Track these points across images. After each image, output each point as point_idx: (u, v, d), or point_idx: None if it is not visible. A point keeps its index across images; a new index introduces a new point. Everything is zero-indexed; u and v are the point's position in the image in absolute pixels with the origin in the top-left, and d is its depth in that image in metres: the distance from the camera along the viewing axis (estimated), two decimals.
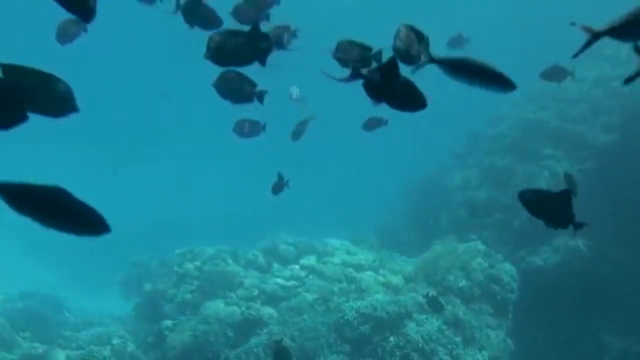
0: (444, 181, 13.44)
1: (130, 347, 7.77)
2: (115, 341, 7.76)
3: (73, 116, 2.84)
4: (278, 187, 6.20)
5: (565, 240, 9.81)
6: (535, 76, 13.76)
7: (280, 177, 6.20)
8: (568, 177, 5.89)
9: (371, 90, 2.99)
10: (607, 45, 13.08)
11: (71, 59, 9.59)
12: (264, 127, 5.20)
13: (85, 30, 5.14)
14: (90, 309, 10.10)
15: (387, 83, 2.97)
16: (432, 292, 7.16)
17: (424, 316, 7.24)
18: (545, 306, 9.23)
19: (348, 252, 9.05)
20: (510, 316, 8.09)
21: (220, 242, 9.50)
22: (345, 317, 7.35)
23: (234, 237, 9.96)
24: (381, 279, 8.11)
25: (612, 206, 9.70)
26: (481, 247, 8.27)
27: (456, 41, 7.75)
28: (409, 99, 3.07)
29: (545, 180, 11.02)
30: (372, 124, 5.93)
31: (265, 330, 7.53)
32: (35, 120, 2.73)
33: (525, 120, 12.52)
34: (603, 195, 9.83)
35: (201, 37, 3.54)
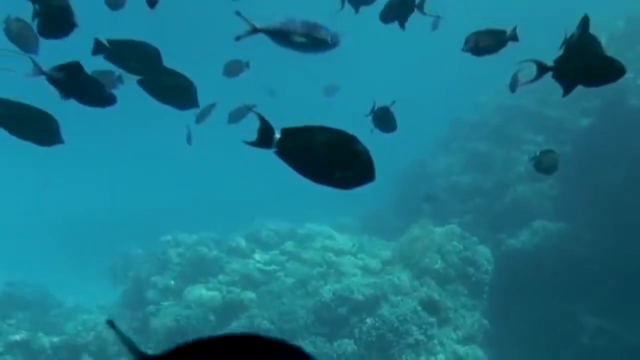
0: (429, 167, 13.62)
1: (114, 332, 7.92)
2: (99, 327, 7.92)
3: None
4: (189, 139, 6.58)
5: (543, 223, 10.00)
6: (515, 63, 13.91)
7: (188, 130, 6.57)
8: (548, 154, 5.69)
9: (563, 77, 3.01)
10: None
11: None
12: (120, 79, 4.99)
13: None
14: (78, 297, 10.27)
15: (576, 63, 3.00)
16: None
17: (399, 298, 7.42)
18: (523, 287, 9.42)
19: (329, 237, 9.22)
20: (485, 297, 8.28)
21: (204, 229, 9.67)
22: (323, 300, 7.54)
23: (219, 225, 10.13)
24: (359, 262, 8.30)
25: (589, 189, 9.88)
26: (457, 230, 8.45)
27: None
28: (603, 71, 3.03)
29: (525, 165, 11.20)
30: (236, 115, 5.93)
31: (245, 314, 7.71)
32: None
33: (506, 106, 12.69)
34: (581, 178, 10.01)
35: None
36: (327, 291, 7.61)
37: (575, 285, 9.43)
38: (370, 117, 4.66)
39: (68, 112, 3.39)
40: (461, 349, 7.25)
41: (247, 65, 5.73)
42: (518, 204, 10.61)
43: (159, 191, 17.30)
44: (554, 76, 3.05)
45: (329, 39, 3.37)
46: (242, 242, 9.25)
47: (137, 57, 3.43)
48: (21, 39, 3.98)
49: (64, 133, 3.16)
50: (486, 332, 8.02)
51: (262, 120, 2.33)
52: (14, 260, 11.82)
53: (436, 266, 7.96)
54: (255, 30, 3.27)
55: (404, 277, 7.70)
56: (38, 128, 3.11)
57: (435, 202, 10.66)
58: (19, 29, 3.98)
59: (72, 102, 3.31)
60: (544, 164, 5.60)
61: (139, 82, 3.43)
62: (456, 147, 13.24)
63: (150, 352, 1.57)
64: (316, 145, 2.35)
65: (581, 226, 9.73)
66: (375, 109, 4.65)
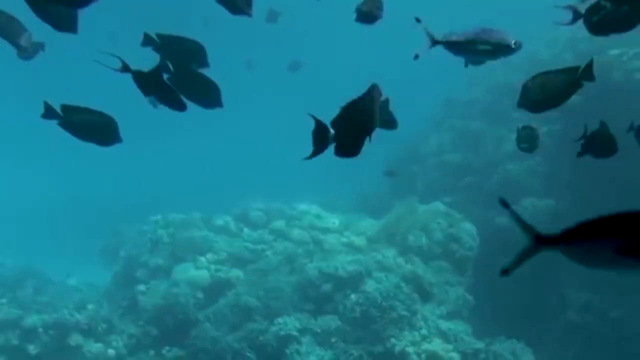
0: (421, 146, 13.68)
1: (104, 311, 8.09)
2: (90, 306, 8.06)
3: None
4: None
5: (532, 200, 10.09)
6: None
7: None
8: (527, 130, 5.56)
9: (594, 23, 3.13)
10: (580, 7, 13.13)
11: None
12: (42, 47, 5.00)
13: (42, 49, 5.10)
14: (71, 278, 10.40)
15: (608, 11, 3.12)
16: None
17: (383, 274, 7.53)
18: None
19: (317, 216, 9.32)
20: (470, 273, 8.37)
21: (195, 209, 9.76)
22: (308, 277, 7.66)
23: (209, 205, 10.21)
24: (345, 240, 8.40)
25: (577, 166, 9.92)
26: (442, 207, 8.53)
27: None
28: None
29: (514, 143, 11.24)
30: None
31: (232, 291, 7.84)
32: None
33: (497, 84, 12.71)
34: (569, 155, 10.04)
35: None
36: (312, 268, 7.73)
37: (563, 261, 9.52)
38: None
39: (64, 96, 3.49)
40: (444, 324, 7.36)
41: (42, 47, 5.40)
42: (508, 182, 10.68)
43: (151, 172, 17.42)
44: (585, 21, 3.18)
45: (512, 43, 3.41)
46: (231, 222, 9.36)
47: (184, 53, 3.67)
48: (8, 31, 4.09)
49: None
50: (471, 307, 8.12)
51: (317, 121, 2.36)
52: (6, 241, 11.96)
53: (420, 243, 8.06)
54: (434, 44, 3.36)
55: (388, 254, 7.81)
56: (100, 130, 3.36)
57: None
58: (5, 21, 4.07)
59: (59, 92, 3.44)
60: (525, 140, 5.58)
61: (169, 80, 3.56)
62: (448, 125, 13.28)
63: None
64: (358, 118, 2.43)
65: (569, 203, 9.81)
66: None
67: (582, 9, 3.25)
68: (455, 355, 6.86)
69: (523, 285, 9.45)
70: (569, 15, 3.46)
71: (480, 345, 7.28)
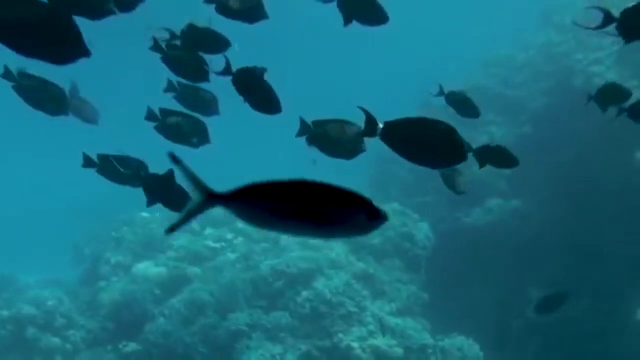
0: None
1: (65, 307, 8.24)
2: (50, 302, 8.22)
3: None
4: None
5: (498, 201, 10.21)
6: (490, 44, 14.05)
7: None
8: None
9: (626, 29, 3.02)
10: (556, 11, 13.22)
11: None
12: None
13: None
14: (41, 275, 10.55)
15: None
16: None
17: (334, 272, 7.67)
18: (475, 264, 9.63)
19: None
20: (424, 272, 8.50)
21: (161, 209, 9.89)
22: (261, 274, 7.81)
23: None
24: (300, 238, 8.53)
25: (543, 168, 10.05)
26: (397, 207, 8.67)
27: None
28: None
29: (481, 145, 11.34)
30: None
31: (188, 288, 8.01)
32: None
33: (472, 88, 12.81)
34: (536, 157, 10.18)
35: None
36: (265, 266, 7.88)
37: (528, 261, 9.64)
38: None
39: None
40: (392, 321, 7.48)
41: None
42: (474, 182, 10.76)
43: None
44: (617, 27, 3.05)
45: None
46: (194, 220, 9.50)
47: (199, 102, 3.92)
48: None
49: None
50: (424, 305, 8.25)
51: (367, 113, 2.61)
52: None
53: (374, 241, 8.19)
54: None
55: (340, 252, 7.94)
56: (132, 177, 3.61)
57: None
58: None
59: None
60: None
61: (156, 128, 3.81)
62: None
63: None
64: (415, 135, 2.63)
65: (535, 204, 9.92)
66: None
67: (616, 13, 3.09)
68: (399, 350, 6.98)
69: (487, 285, 9.58)
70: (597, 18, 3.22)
71: (428, 341, 7.39)
